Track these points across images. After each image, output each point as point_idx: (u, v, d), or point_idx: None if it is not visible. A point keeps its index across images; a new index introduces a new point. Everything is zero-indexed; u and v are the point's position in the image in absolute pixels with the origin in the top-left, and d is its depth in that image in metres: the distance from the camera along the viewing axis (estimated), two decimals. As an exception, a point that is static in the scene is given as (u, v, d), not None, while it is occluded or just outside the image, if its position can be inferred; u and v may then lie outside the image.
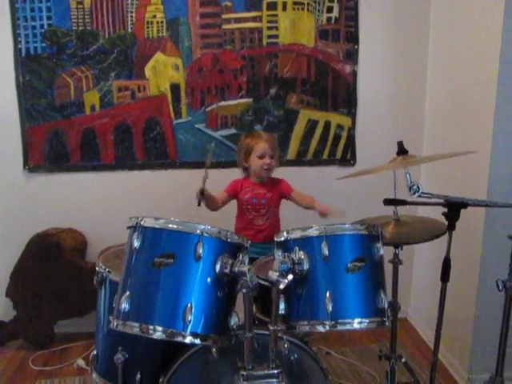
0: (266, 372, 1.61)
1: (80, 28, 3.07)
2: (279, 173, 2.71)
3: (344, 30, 3.25)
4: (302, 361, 1.86)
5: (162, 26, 3.12)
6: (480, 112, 2.62)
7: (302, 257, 1.63)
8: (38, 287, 3.08)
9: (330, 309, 1.59)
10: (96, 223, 3.27)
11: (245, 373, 1.60)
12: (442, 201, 1.90)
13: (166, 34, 3.13)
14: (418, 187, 1.81)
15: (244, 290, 1.54)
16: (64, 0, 3.02)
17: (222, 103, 3.24)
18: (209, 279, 1.56)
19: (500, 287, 1.94)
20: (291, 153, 3.33)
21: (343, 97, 3.32)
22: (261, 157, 2.54)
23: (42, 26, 3.04)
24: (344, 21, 3.23)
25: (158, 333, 1.52)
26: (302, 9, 3.19)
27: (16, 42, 3.04)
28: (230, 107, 3.25)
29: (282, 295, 1.64)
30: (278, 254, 1.69)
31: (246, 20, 3.17)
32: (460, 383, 2.77)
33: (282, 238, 1.71)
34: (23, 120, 3.12)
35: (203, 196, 2.39)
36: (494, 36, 2.41)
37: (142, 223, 1.59)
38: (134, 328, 1.53)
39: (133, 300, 1.54)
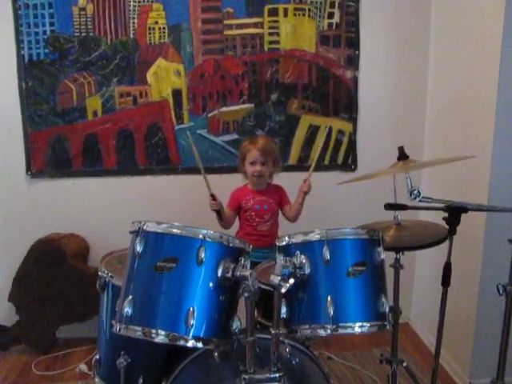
0: (267, 376, 1.62)
1: (82, 34, 3.08)
2: (281, 178, 2.72)
3: (345, 36, 3.26)
4: (304, 365, 1.86)
5: (164, 32, 3.14)
6: (481, 117, 2.63)
7: (304, 261, 1.64)
8: (40, 292, 3.09)
9: (332, 313, 1.59)
10: (98, 228, 3.27)
11: (246, 376, 1.60)
12: (442, 205, 1.91)
13: (168, 39, 3.15)
14: (418, 192, 1.82)
15: (246, 295, 1.55)
16: (67, 6, 3.04)
17: (224, 109, 3.25)
18: (211, 283, 1.56)
19: (500, 291, 1.95)
20: (292, 158, 3.34)
21: (344, 102, 3.33)
22: (252, 163, 2.57)
23: (44, 33, 3.05)
24: (345, 26, 3.25)
25: (160, 337, 1.52)
26: (303, 15, 3.21)
27: (19, 48, 3.05)
28: (231, 113, 3.26)
29: (283, 299, 1.64)
30: (280, 259, 1.69)
31: (247, 26, 3.18)
32: (461, 388, 2.78)
33: (284, 243, 1.71)
34: (26, 125, 3.13)
35: (216, 200, 2.45)
36: (494, 42, 2.43)
37: (144, 228, 1.60)
38: (137, 332, 1.53)
39: (135, 304, 1.54)
